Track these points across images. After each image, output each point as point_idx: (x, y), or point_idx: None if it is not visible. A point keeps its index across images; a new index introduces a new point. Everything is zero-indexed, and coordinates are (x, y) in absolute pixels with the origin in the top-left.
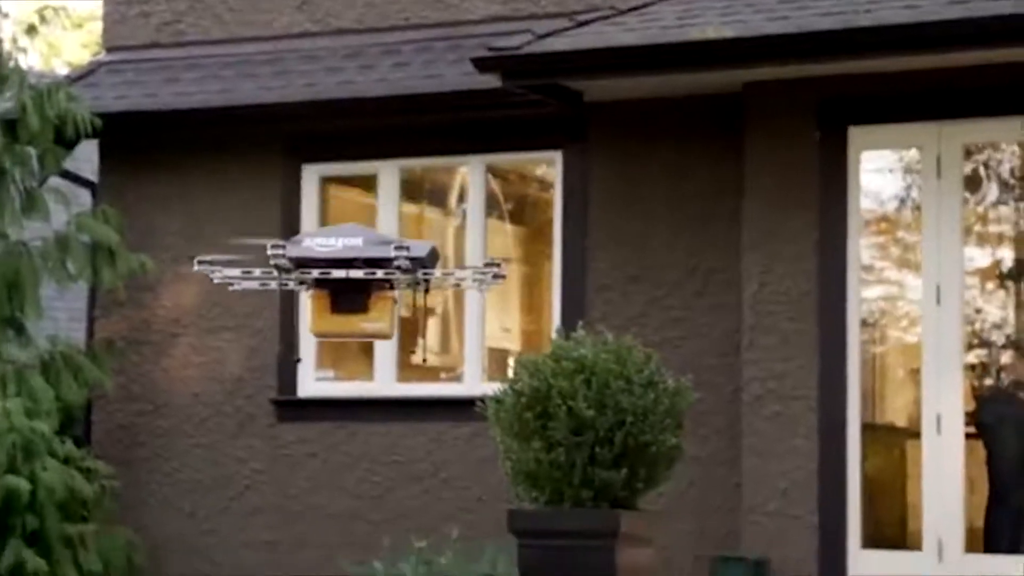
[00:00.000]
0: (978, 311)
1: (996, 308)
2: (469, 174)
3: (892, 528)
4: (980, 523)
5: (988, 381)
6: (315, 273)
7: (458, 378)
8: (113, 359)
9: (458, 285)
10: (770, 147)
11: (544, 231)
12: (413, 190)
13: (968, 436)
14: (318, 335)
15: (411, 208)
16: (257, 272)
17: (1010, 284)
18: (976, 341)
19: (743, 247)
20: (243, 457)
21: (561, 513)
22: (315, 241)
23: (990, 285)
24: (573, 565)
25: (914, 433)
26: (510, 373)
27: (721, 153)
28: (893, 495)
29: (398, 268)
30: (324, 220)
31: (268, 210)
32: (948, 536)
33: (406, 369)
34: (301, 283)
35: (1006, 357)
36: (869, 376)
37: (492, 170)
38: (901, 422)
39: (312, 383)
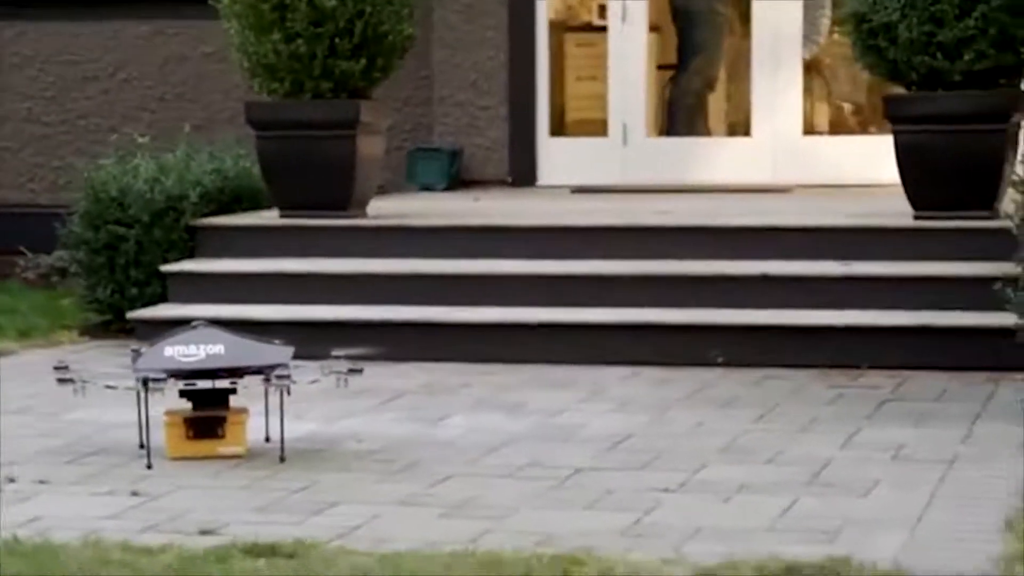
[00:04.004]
0: None
1: None
2: None
3: (579, 116)
4: (664, 109)
5: None
6: (181, 385)
7: None
8: None
9: (316, 381)
10: None
11: None
12: None
13: (654, 29)
14: (176, 460)
15: None
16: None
17: None
18: None
19: None
20: None
21: (301, 104)
22: (176, 350)
23: None
24: (313, 155)
25: (600, 27)
26: None
27: None
28: (580, 85)
29: (262, 377)
30: None
31: None
32: (632, 121)
33: None
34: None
35: None
36: None
37: None
38: (588, 15)
39: None
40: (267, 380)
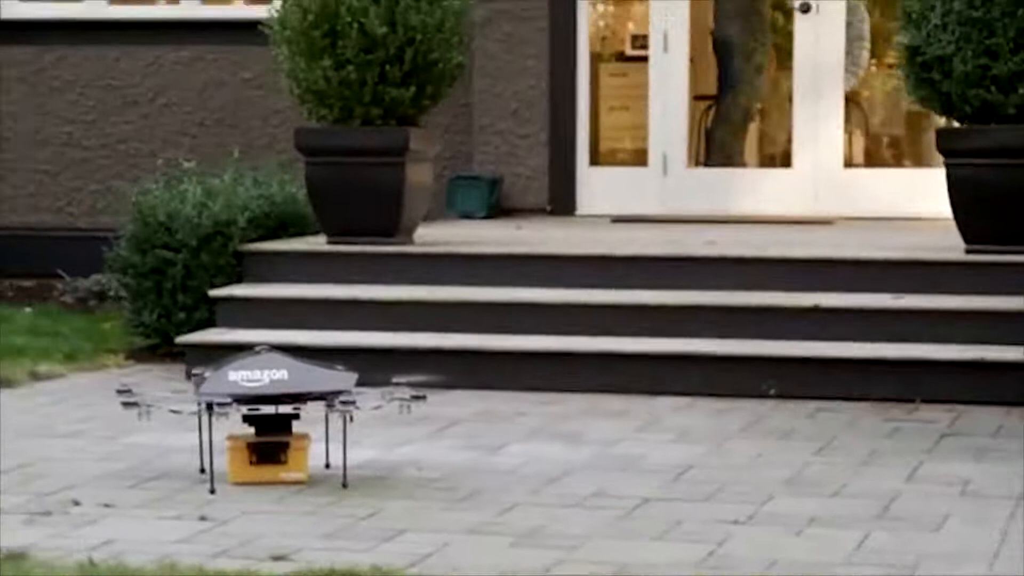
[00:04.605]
0: None
1: None
2: None
3: (614, 146)
4: (703, 139)
5: None
6: (244, 410)
7: None
8: None
9: (379, 407)
10: None
11: None
12: None
13: (693, 59)
14: (238, 484)
15: None
16: (184, 409)
17: None
18: None
19: None
20: None
21: (351, 131)
22: (240, 375)
23: None
24: (362, 181)
25: (633, 57)
26: None
27: None
28: (613, 115)
29: (325, 403)
30: None
31: None
32: (672, 151)
33: None
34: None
35: None
36: None
37: None
38: (621, 46)
39: (17, 4)
40: (330, 406)
